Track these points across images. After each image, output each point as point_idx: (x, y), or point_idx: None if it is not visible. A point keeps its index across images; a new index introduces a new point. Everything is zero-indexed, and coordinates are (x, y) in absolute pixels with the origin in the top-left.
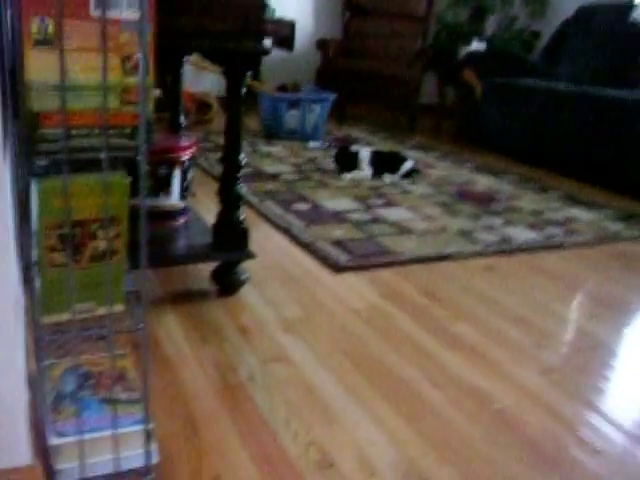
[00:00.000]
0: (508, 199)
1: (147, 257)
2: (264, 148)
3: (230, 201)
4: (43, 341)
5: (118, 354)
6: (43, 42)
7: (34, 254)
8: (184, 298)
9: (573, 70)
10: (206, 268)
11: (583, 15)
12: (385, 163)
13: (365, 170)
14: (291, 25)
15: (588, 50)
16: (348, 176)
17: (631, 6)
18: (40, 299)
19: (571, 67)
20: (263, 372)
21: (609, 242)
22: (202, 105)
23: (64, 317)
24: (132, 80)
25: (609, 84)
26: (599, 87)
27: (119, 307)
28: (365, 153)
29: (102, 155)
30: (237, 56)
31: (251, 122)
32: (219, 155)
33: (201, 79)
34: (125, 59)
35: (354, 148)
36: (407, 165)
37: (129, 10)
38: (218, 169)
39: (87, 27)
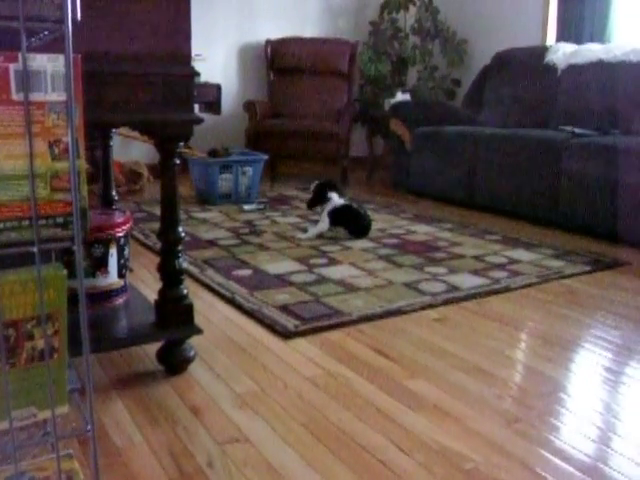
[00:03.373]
0: (449, 246)
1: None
2: (199, 214)
3: (172, 276)
4: None
5: (64, 455)
6: None
7: None
8: (130, 382)
9: (496, 114)
10: (151, 347)
11: (501, 61)
12: (345, 218)
13: (323, 220)
14: (217, 88)
15: (509, 94)
16: (303, 236)
17: (545, 48)
18: None
19: (494, 111)
20: (221, 455)
21: (553, 280)
22: (132, 174)
23: (1, 426)
24: (61, 165)
25: (531, 125)
26: (523, 129)
27: (62, 409)
28: (330, 206)
29: (34, 248)
30: (169, 128)
31: (183, 188)
32: (154, 225)
33: (129, 148)
34: (53, 143)
35: (330, 195)
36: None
37: (54, 92)
38: (154, 240)
39: (10, 112)
